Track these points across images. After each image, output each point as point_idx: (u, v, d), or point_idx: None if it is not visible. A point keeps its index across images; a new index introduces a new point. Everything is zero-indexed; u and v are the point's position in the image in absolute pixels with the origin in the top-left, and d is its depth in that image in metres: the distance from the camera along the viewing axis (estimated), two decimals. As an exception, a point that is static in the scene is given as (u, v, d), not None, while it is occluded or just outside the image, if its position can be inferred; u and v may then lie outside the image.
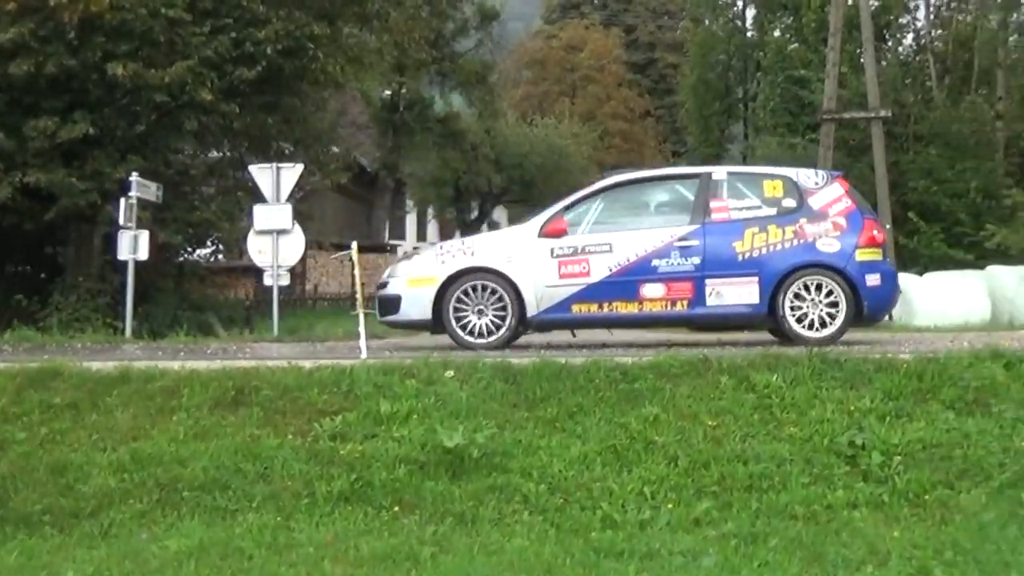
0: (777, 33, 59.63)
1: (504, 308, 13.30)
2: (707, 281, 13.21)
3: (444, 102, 53.82)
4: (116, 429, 9.93)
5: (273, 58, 22.92)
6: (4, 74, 20.92)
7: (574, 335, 14.86)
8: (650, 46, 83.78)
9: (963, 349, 11.41)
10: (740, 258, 13.27)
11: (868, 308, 13.23)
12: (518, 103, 70.01)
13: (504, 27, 57.12)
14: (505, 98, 63.23)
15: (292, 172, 19.13)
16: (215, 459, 9.30)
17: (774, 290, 13.14)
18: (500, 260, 13.44)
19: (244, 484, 8.99)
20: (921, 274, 25.72)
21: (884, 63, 47.84)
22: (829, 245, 13.30)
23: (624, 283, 13.27)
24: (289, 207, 18.76)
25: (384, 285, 14.07)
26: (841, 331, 13.12)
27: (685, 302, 13.26)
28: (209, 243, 28.10)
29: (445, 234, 69.67)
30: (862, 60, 39.92)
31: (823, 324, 13.09)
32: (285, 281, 19.28)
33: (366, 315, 13.55)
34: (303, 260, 33.34)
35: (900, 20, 54.79)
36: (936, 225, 36.12)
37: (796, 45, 55.16)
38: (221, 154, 27.74)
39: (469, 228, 59.16)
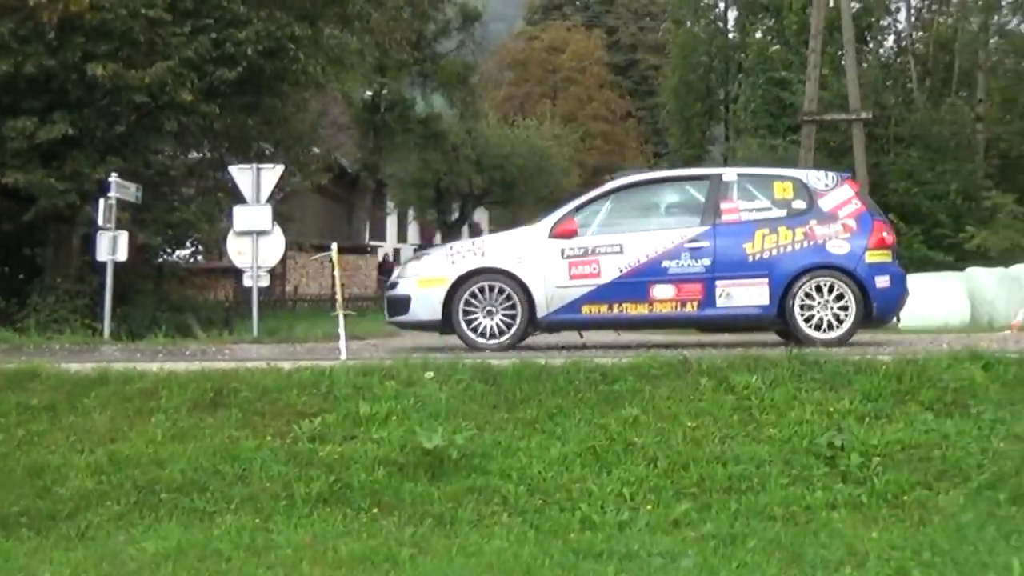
0: (758, 35, 59.80)
1: (514, 309, 13.22)
2: (717, 282, 13.18)
3: (425, 103, 53.79)
4: (94, 431, 9.90)
5: (254, 59, 22.89)
6: (-17, 74, 20.86)
7: (581, 336, 14.85)
8: (632, 47, 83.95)
9: (942, 351, 11.43)
10: (750, 259, 13.26)
11: (877, 310, 13.24)
12: (500, 104, 69.99)
13: (486, 28, 57.12)
14: (487, 99, 63.21)
15: (272, 173, 19.04)
16: (193, 461, 9.27)
17: (784, 291, 13.12)
18: (510, 260, 13.36)
19: (222, 486, 8.96)
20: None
21: (865, 65, 47.97)
22: (839, 247, 13.28)
23: (634, 284, 13.23)
24: (269, 208, 18.68)
25: (394, 285, 14.02)
26: (851, 332, 13.12)
27: (695, 303, 13.23)
28: (189, 244, 28.00)
29: (426, 236, 69.78)
30: (843, 62, 40.00)
31: (832, 326, 13.09)
32: (265, 282, 19.18)
33: (346, 316, 13.51)
34: (283, 261, 33.29)
35: (881, 22, 54.96)
36: (916, 227, 36.23)
37: (777, 47, 55.31)
38: (201, 155, 27.66)
39: (450, 229, 59.22)
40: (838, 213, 13.50)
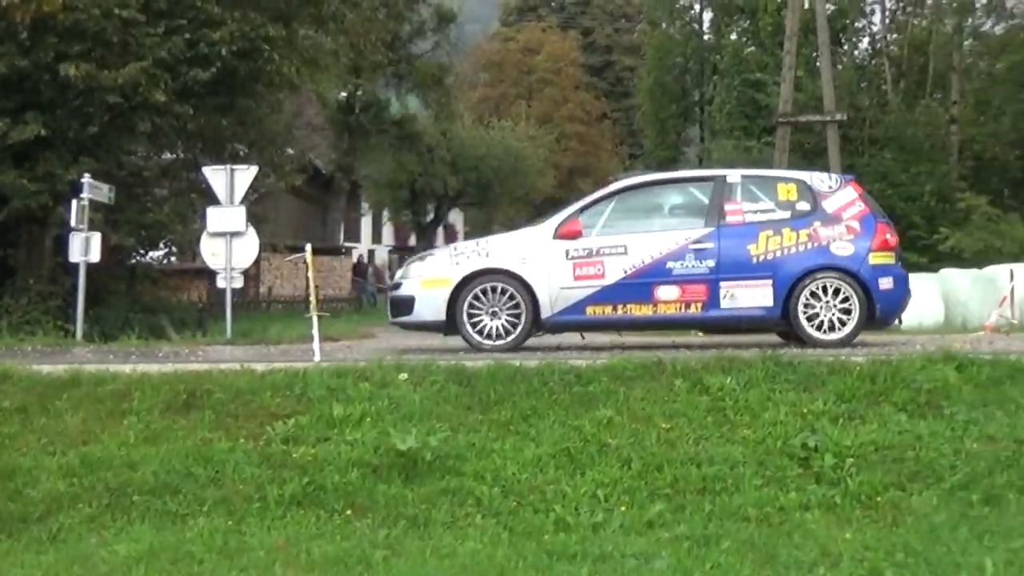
0: (734, 36, 60.11)
1: (518, 310, 13.19)
2: (721, 284, 13.18)
3: (400, 104, 53.76)
4: (66, 433, 9.85)
5: (228, 59, 22.82)
6: (-45, 74, 20.76)
7: (583, 337, 14.83)
8: (607, 49, 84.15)
9: (916, 352, 11.46)
10: (754, 261, 13.25)
11: (881, 311, 13.26)
12: (475, 105, 70.00)
13: (461, 29, 57.11)
14: (462, 100, 63.22)
15: (246, 174, 18.98)
16: (166, 463, 9.23)
17: (788, 293, 13.13)
18: (515, 261, 13.33)
19: (195, 488, 8.92)
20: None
21: (840, 67, 48.23)
22: (843, 248, 13.30)
23: (639, 285, 13.20)
24: (243, 209, 18.62)
25: (397, 286, 13.97)
26: (854, 333, 13.14)
27: (699, 304, 13.21)
28: (162, 245, 27.90)
29: (400, 237, 69.78)
30: (818, 64, 40.20)
31: (835, 327, 13.12)
32: (239, 284, 19.12)
33: (320, 318, 13.48)
34: (257, 262, 33.21)
35: (856, 24, 55.30)
36: (891, 228, 36.28)
37: (752, 48, 55.59)
38: (174, 156, 27.57)
39: (424, 231, 59.20)
40: (842, 215, 13.52)
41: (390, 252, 70.62)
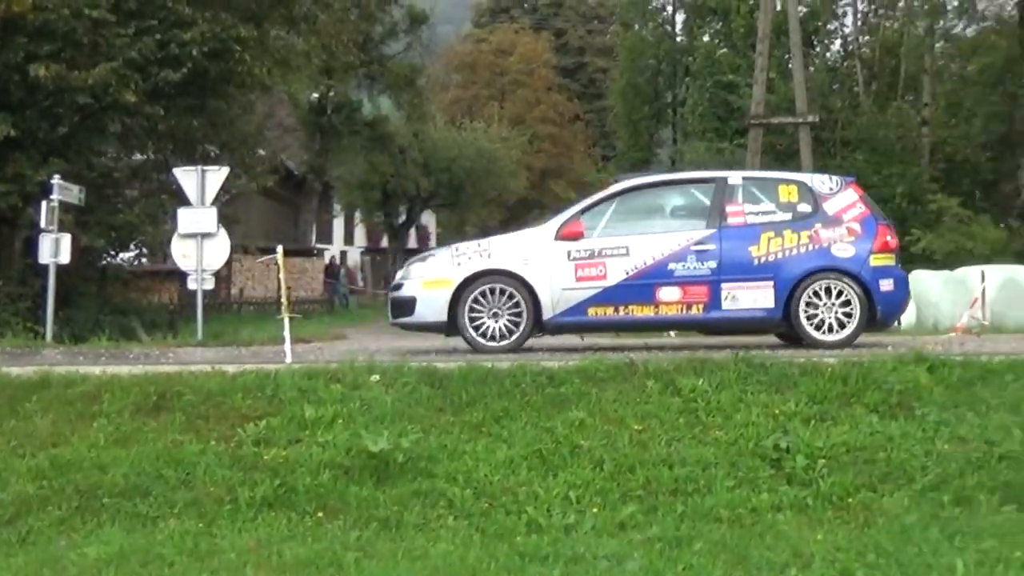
0: (706, 38, 60.29)
1: (519, 311, 13.18)
2: (723, 285, 13.20)
3: (372, 105, 53.70)
4: (35, 435, 9.78)
5: (199, 60, 22.78)
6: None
7: (582, 338, 14.82)
8: (580, 50, 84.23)
9: (887, 353, 11.49)
10: (756, 262, 13.28)
11: (881, 313, 13.32)
12: (447, 107, 70.00)
13: (433, 30, 57.09)
14: (434, 102, 63.26)
15: (217, 175, 18.91)
16: (136, 465, 9.17)
17: (789, 294, 13.17)
18: (516, 262, 13.31)
19: (165, 490, 8.87)
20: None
21: (812, 69, 48.46)
22: (844, 250, 13.34)
23: (640, 286, 13.22)
24: (214, 210, 18.55)
25: (398, 287, 13.93)
26: (855, 334, 13.18)
27: (701, 306, 13.23)
28: (132, 247, 27.82)
29: (373, 238, 69.68)
30: (790, 66, 40.37)
31: (834, 328, 13.16)
32: (210, 285, 19.04)
33: (291, 319, 13.45)
34: (228, 264, 33.15)
35: (828, 26, 55.57)
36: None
37: (725, 50, 55.74)
38: (145, 157, 27.50)
39: (397, 232, 59.15)
40: (843, 217, 13.57)
41: (362, 254, 70.60)
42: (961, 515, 8.21)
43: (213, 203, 18.71)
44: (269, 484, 8.84)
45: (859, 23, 55.57)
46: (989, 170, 49.17)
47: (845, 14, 56.44)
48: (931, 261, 32.81)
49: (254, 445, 9.50)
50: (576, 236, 13.33)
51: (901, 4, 53.53)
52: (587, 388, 10.37)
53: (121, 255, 28.18)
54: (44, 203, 18.75)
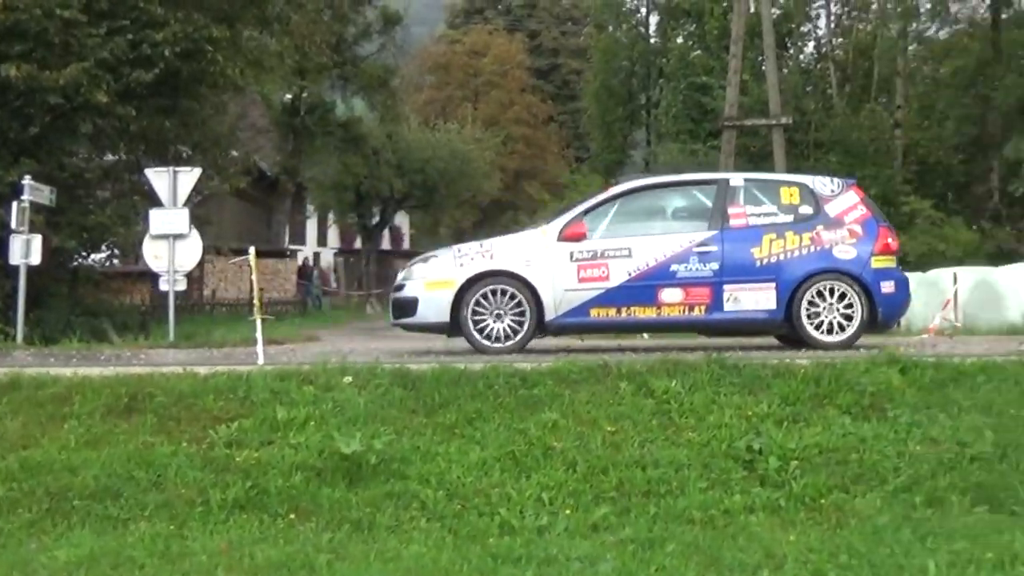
0: (680, 40, 60.44)
1: (522, 312, 13.20)
2: (725, 287, 13.25)
3: (346, 106, 53.58)
4: (5, 437, 9.73)
5: (171, 60, 22.69)
6: None
7: (582, 339, 14.81)
8: (554, 52, 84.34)
9: (860, 355, 11.54)
10: (758, 264, 13.34)
11: (882, 314, 13.40)
12: (421, 108, 69.93)
13: (407, 31, 56.97)
14: (408, 103, 63.16)
15: (190, 176, 18.85)
16: (107, 467, 9.12)
17: (791, 296, 13.23)
18: (519, 263, 13.33)
19: (136, 492, 8.82)
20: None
21: (785, 71, 48.65)
22: (845, 252, 13.42)
23: (643, 288, 13.25)
24: (186, 211, 18.49)
25: (400, 287, 13.92)
26: (856, 336, 13.26)
27: (703, 307, 13.27)
28: (104, 248, 27.64)
29: (346, 240, 69.56)
30: (764, 68, 40.52)
31: (834, 329, 13.22)
32: (182, 286, 19.00)
33: (264, 321, 13.41)
34: (201, 265, 32.95)
35: (802, 28, 55.80)
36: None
37: (698, 52, 55.92)
38: (117, 157, 27.33)
39: (370, 233, 59.05)
40: (844, 218, 13.65)
41: (335, 255, 70.47)
42: (933, 516, 8.23)
43: (185, 204, 18.65)
44: (241, 486, 8.81)
45: (832, 25, 55.83)
46: (961, 172, 49.45)
47: (818, 16, 56.73)
48: (904, 263, 32.78)
49: (226, 447, 9.47)
50: (579, 237, 13.37)
51: (874, 6, 53.80)
52: (560, 390, 10.38)
53: (93, 256, 28.01)
54: (15, 204, 18.69)
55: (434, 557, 7.61)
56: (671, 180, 14.80)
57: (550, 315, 13.24)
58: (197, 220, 19.92)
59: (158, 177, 18.78)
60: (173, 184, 18.45)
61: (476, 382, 10.50)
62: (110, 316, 26.17)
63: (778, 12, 49.85)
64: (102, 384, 10.54)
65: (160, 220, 18.35)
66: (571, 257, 13.31)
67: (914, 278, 24.56)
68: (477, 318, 13.21)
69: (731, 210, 13.56)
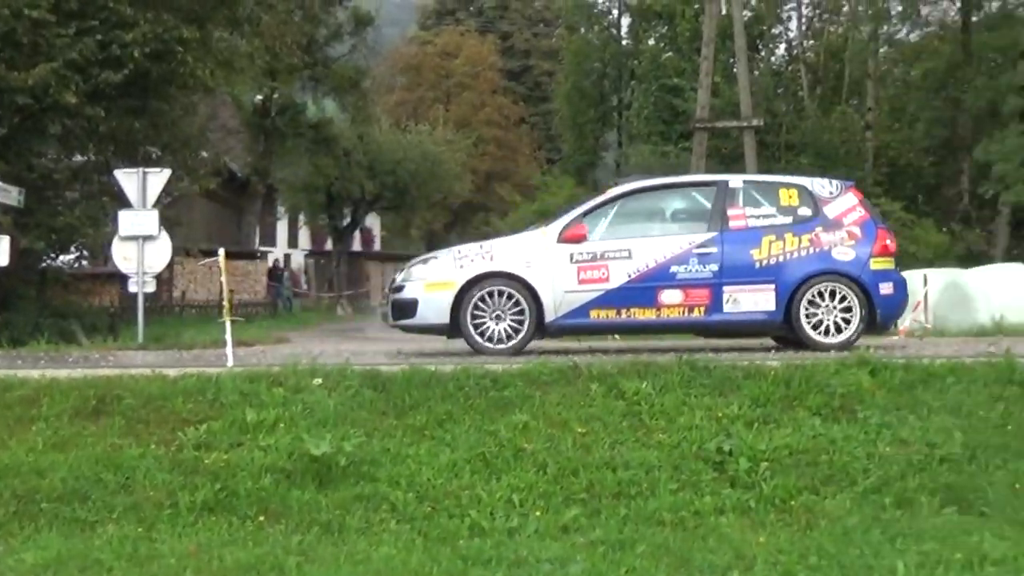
0: (652, 42, 60.55)
1: (522, 313, 13.18)
2: (725, 288, 13.27)
3: (317, 107, 53.47)
4: (-28, 439, 9.67)
5: (140, 61, 22.63)
6: None
7: (580, 340, 14.81)
8: (525, 53, 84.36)
9: (830, 356, 11.58)
10: (757, 266, 13.36)
11: (881, 316, 13.46)
12: (392, 109, 69.80)
13: (378, 32, 56.85)
14: (379, 104, 63.06)
15: (159, 177, 18.77)
16: (74, 469, 9.07)
17: (790, 297, 13.27)
18: (519, 265, 13.33)
19: (104, 495, 8.77)
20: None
21: (757, 73, 48.82)
22: (844, 254, 13.46)
23: (643, 289, 13.27)
24: (156, 213, 18.41)
25: (399, 289, 13.88)
26: (855, 337, 13.30)
27: (702, 309, 13.30)
28: (73, 249, 27.59)
29: (317, 241, 69.40)
30: (735, 70, 40.67)
31: (830, 331, 13.25)
32: (151, 288, 18.90)
33: (233, 323, 13.36)
34: (170, 267, 32.90)
35: (773, 31, 55.97)
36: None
37: (670, 54, 56.01)
38: (86, 158, 27.26)
39: (341, 235, 58.92)
40: (843, 220, 13.70)
41: (306, 256, 70.25)
42: (902, 517, 8.26)
43: (155, 205, 18.56)
44: (210, 488, 8.77)
45: (804, 28, 56.10)
46: (932, 174, 49.73)
47: (790, 19, 56.98)
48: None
49: (195, 449, 9.43)
50: (578, 239, 13.39)
51: (845, 9, 54.04)
52: (531, 391, 10.39)
53: (61, 257, 27.96)
54: (-18, 205, 18.58)
55: (404, 559, 7.59)
56: (671, 182, 14.88)
57: (550, 316, 13.26)
58: (167, 221, 19.85)
59: (127, 178, 18.68)
60: (142, 185, 18.36)
61: (446, 384, 10.49)
62: (79, 318, 26.08)
63: (750, 14, 50.01)
64: (70, 386, 10.48)
65: (129, 221, 18.26)
66: (571, 259, 13.33)
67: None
68: (477, 319, 13.21)
69: (730, 212, 13.60)
